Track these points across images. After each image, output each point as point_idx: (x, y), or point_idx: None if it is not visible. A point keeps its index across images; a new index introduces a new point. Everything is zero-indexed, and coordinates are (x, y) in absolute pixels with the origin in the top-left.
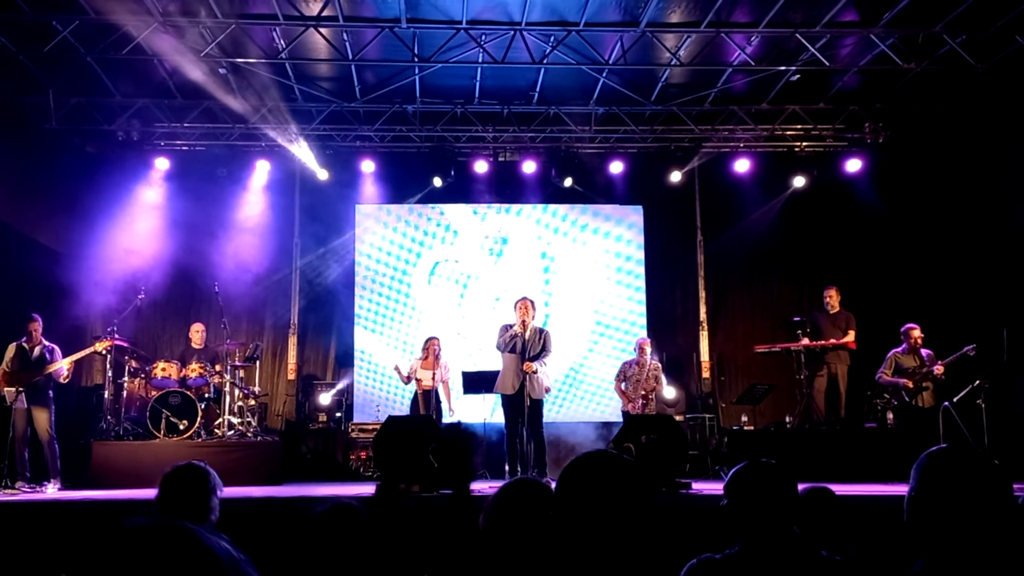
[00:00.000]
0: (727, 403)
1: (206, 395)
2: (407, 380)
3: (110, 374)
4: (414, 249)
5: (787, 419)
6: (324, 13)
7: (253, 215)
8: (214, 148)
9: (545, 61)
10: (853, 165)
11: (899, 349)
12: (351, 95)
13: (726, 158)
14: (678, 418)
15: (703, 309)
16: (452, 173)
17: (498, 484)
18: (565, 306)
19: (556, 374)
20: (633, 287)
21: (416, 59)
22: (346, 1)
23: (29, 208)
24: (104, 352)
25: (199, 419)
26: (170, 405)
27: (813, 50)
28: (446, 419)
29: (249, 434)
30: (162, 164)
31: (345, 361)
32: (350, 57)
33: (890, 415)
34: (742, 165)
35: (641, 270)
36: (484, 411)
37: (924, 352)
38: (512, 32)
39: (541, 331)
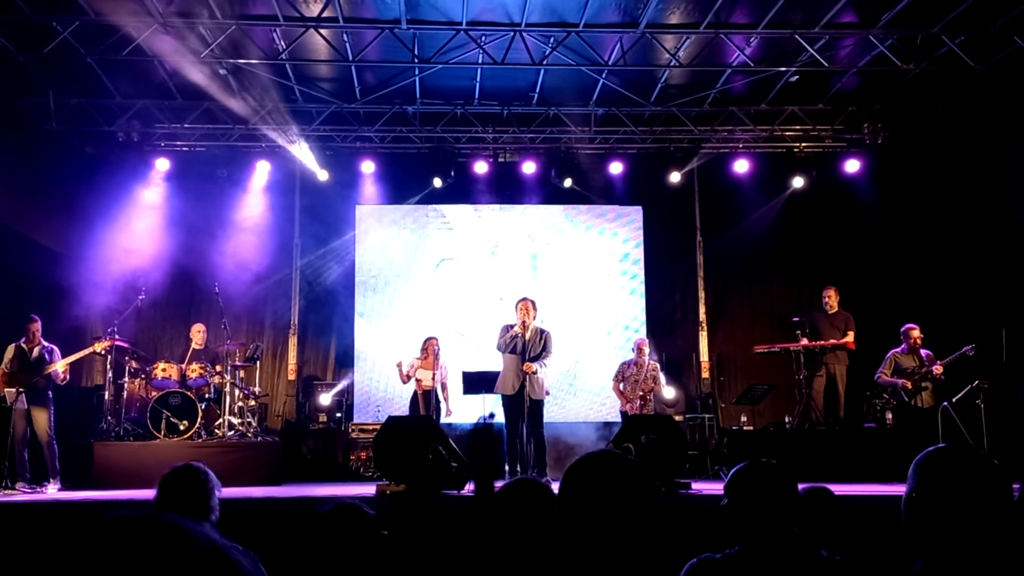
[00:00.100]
0: (726, 403)
1: (206, 395)
2: (406, 379)
3: (110, 375)
4: (414, 249)
5: (786, 419)
6: (324, 14)
7: (253, 216)
8: (214, 149)
9: (545, 62)
10: (852, 166)
11: (899, 349)
12: (351, 96)
13: (725, 159)
14: (678, 418)
15: (702, 309)
16: (452, 174)
17: (498, 484)
18: (565, 306)
19: (555, 374)
20: (633, 288)
21: (416, 60)
22: (346, 2)
23: (29, 209)
24: (103, 352)
25: (199, 420)
26: (170, 406)
27: (812, 51)
28: (444, 419)
29: (249, 434)
30: (162, 165)
31: (345, 361)
32: (350, 58)
33: (889, 415)
34: (741, 166)
35: (641, 271)
36: (484, 411)
37: (923, 352)
38: (512, 33)
39: (542, 332)
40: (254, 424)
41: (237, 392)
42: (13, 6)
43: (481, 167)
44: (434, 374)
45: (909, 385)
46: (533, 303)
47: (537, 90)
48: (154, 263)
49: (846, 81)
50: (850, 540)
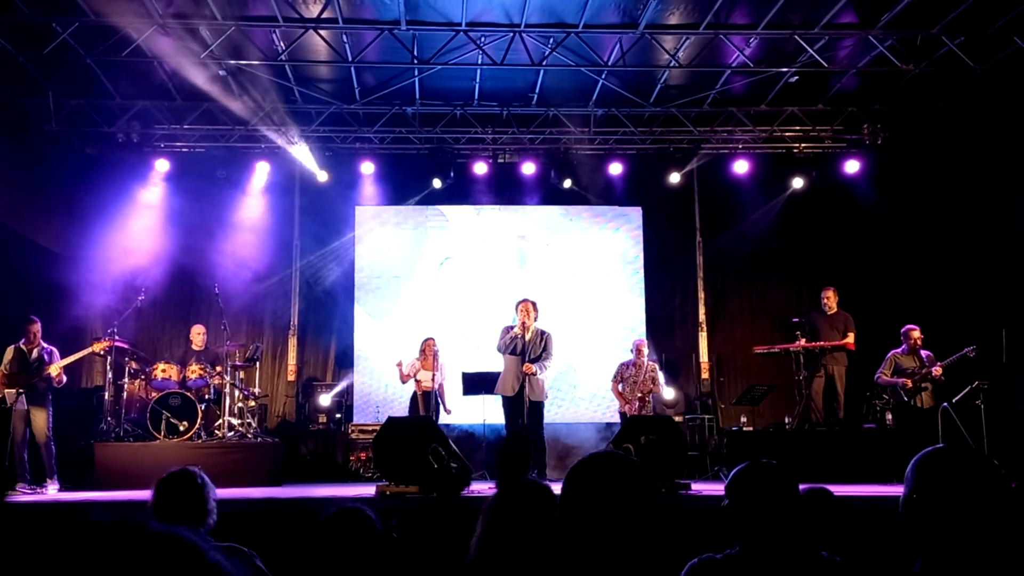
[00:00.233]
0: (726, 404)
1: (206, 396)
2: (405, 379)
3: (110, 375)
4: (414, 250)
5: (786, 420)
6: (324, 15)
7: (253, 216)
8: (214, 150)
9: (544, 63)
10: (852, 166)
11: (899, 350)
12: (351, 97)
13: (725, 159)
14: (677, 419)
15: (702, 310)
16: (452, 175)
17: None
18: (564, 307)
19: (554, 374)
20: (632, 288)
21: (415, 61)
22: (346, 3)
23: (29, 210)
24: (102, 353)
25: (199, 420)
26: (170, 406)
27: (812, 51)
28: (443, 420)
29: (249, 435)
30: (162, 166)
31: (345, 362)
32: (350, 59)
33: (889, 416)
34: (741, 166)
35: (640, 271)
36: (483, 412)
37: (924, 353)
38: (511, 34)
39: (542, 333)
40: (254, 425)
41: (237, 393)
42: (13, 7)
43: (481, 168)
44: (433, 375)
45: (909, 384)
46: (534, 304)
47: (536, 91)
48: (154, 264)
49: (846, 82)
50: (849, 541)
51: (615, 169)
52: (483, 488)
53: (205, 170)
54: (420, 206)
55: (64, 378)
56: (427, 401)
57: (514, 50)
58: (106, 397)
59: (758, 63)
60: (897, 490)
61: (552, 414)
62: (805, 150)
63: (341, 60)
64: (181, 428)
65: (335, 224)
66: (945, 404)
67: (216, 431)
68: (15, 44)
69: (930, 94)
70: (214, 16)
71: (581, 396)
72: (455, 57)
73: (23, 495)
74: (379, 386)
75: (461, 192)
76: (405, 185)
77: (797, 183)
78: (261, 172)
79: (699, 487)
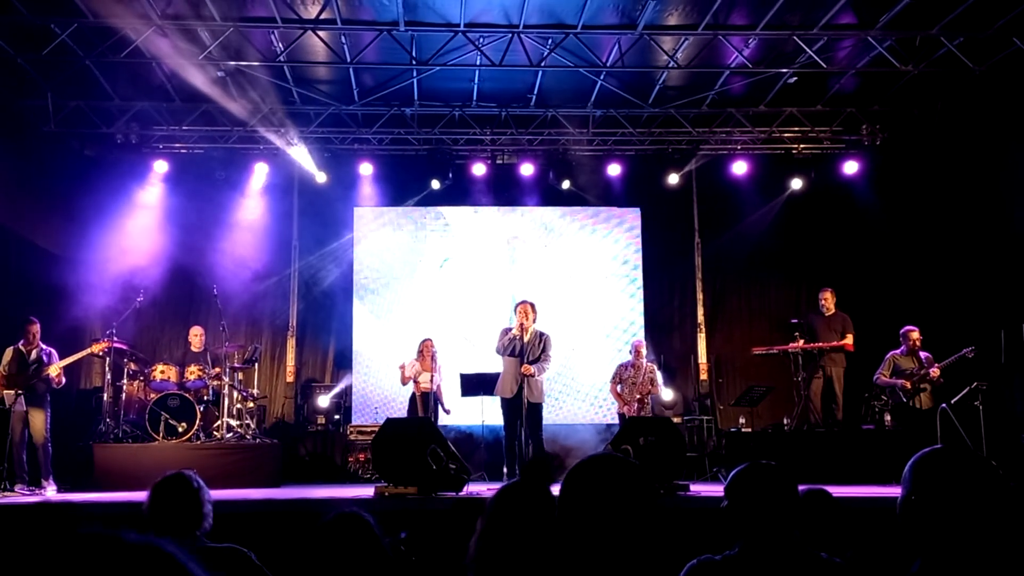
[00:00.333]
0: (725, 405)
1: (205, 397)
2: (406, 382)
3: (109, 376)
4: (412, 251)
5: (785, 421)
6: (322, 16)
7: (252, 217)
8: (212, 151)
9: (543, 64)
10: (851, 167)
11: (898, 351)
12: (349, 98)
13: (724, 160)
14: (676, 420)
15: (701, 311)
16: (450, 176)
17: (496, 486)
18: (563, 308)
19: (551, 374)
20: (631, 289)
21: (414, 62)
22: (344, 4)
23: (28, 211)
24: (100, 354)
25: (198, 421)
26: (169, 407)
27: (811, 52)
28: (443, 420)
29: (248, 436)
30: (161, 167)
31: (343, 363)
32: (348, 60)
33: (888, 417)
34: (740, 167)
35: (639, 272)
36: (482, 413)
37: (923, 354)
38: (510, 35)
39: (541, 335)
40: (252, 426)
41: (236, 394)
42: (11, 8)
43: (479, 169)
44: (432, 376)
45: (908, 385)
46: (532, 306)
47: (535, 92)
48: (152, 264)
49: (845, 82)
50: (848, 542)
51: (614, 170)
52: (481, 489)
53: (204, 171)
54: (419, 207)
55: (63, 379)
56: (425, 402)
57: (513, 51)
58: (105, 398)
59: (757, 64)
60: (896, 491)
61: (551, 415)
62: (804, 151)
63: (340, 61)
64: (180, 429)
65: (334, 225)
66: (944, 405)
67: (215, 432)
68: (14, 45)
69: (929, 95)
70: (213, 17)
71: (580, 397)
72: (454, 58)
73: (21, 496)
74: (378, 387)
75: (460, 193)
76: (404, 186)
77: (796, 184)
78: (260, 173)
79: (698, 488)
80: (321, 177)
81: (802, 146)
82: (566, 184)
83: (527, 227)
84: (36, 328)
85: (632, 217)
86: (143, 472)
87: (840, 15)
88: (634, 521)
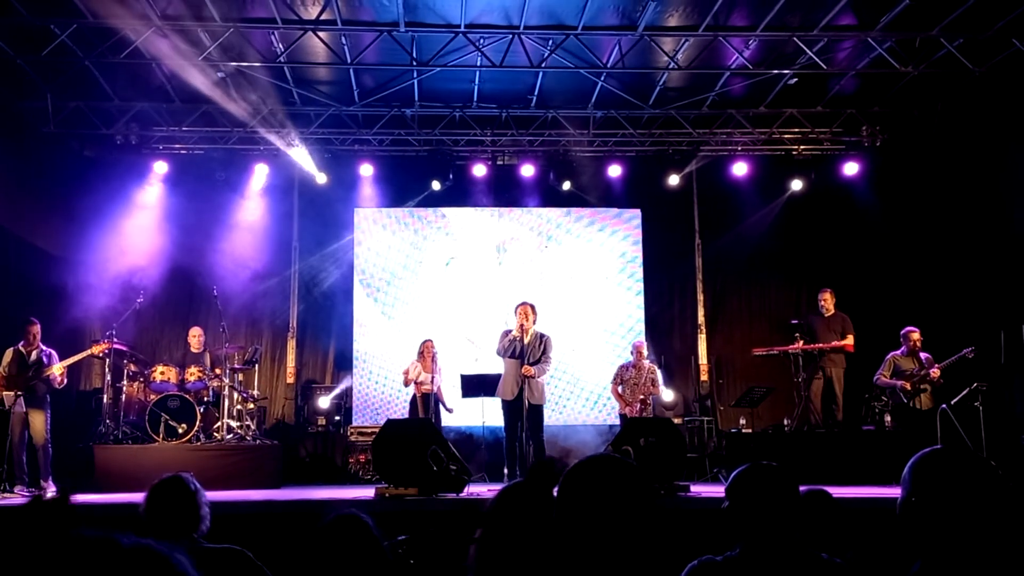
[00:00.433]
0: (725, 406)
1: (205, 399)
2: (408, 384)
3: (109, 378)
4: (412, 253)
5: (785, 422)
6: (322, 17)
7: (252, 218)
8: (213, 152)
9: (543, 65)
10: (851, 168)
11: (898, 352)
12: (349, 99)
13: (724, 161)
14: (676, 421)
15: (701, 312)
16: (451, 177)
17: (497, 487)
18: (563, 309)
19: (554, 376)
20: (631, 290)
21: (414, 63)
22: (344, 5)
23: (27, 212)
24: (101, 355)
25: (198, 423)
26: (169, 409)
27: (811, 53)
28: (445, 420)
29: (248, 438)
30: (160, 168)
31: (344, 364)
32: (348, 61)
33: (888, 417)
34: (740, 168)
35: (639, 273)
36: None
37: (923, 355)
38: (510, 36)
39: (541, 336)
40: (253, 427)
41: (236, 395)
42: (11, 8)
43: (480, 170)
44: (432, 376)
45: (908, 386)
46: (532, 307)
47: (536, 93)
48: (152, 265)
49: (845, 83)
50: (849, 542)
51: (614, 171)
52: (482, 491)
53: (204, 172)
54: (419, 208)
55: (65, 379)
56: (426, 403)
57: (513, 52)
58: (105, 399)
59: (757, 65)
60: (896, 492)
61: (552, 417)
62: (804, 152)
63: (340, 62)
64: (180, 430)
65: (334, 226)
66: (944, 406)
67: (215, 433)
68: (13, 46)
69: (929, 96)
70: (213, 18)
71: (580, 398)
72: (454, 59)
73: (21, 497)
74: (378, 388)
75: (460, 194)
76: (404, 187)
77: (796, 185)
78: (260, 174)
79: (698, 489)
80: (321, 178)
81: (802, 147)
82: (566, 185)
83: (527, 228)
84: (37, 329)
85: (632, 218)
86: (143, 473)
87: (840, 16)
88: (632, 522)
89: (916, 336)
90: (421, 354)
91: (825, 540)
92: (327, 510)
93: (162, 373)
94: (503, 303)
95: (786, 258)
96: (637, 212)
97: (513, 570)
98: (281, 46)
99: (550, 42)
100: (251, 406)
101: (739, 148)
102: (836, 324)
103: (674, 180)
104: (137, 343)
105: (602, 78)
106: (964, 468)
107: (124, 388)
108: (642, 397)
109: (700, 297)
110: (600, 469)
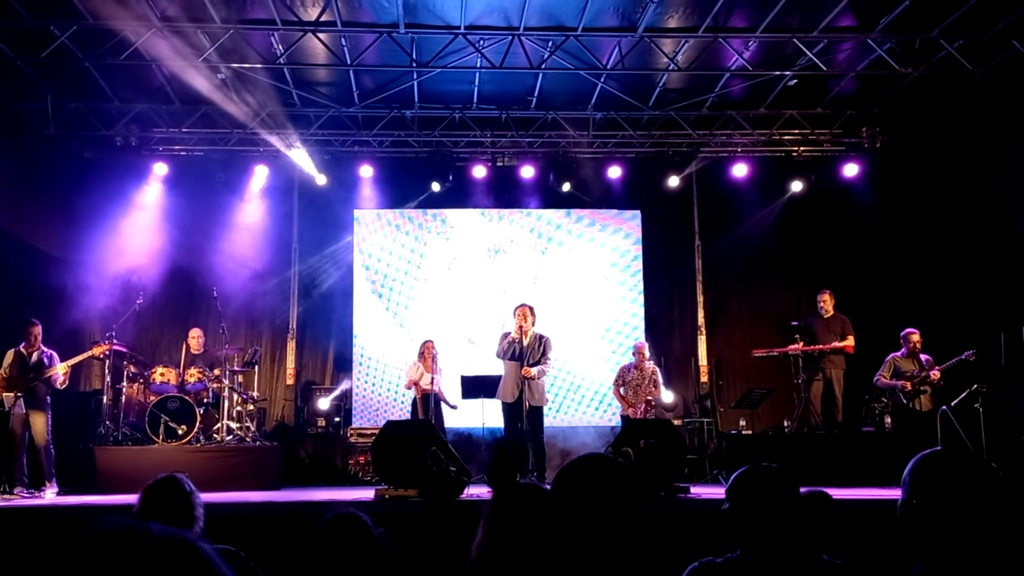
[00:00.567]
0: (725, 407)
1: (205, 400)
2: (410, 386)
3: (109, 379)
4: (412, 254)
5: (785, 423)
6: (322, 18)
7: (251, 220)
8: (212, 153)
9: (543, 66)
10: (850, 169)
11: (898, 353)
12: (349, 100)
13: (724, 163)
14: (676, 422)
15: (701, 313)
16: (451, 178)
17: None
18: (563, 311)
19: (554, 377)
20: (631, 292)
21: (414, 64)
22: (344, 6)
23: (27, 214)
24: (101, 357)
25: (198, 424)
26: (169, 410)
27: (811, 55)
28: (447, 418)
29: (248, 439)
30: (160, 169)
31: (343, 366)
32: (348, 62)
33: (888, 419)
34: (740, 170)
35: (639, 275)
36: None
37: (923, 357)
38: (510, 37)
39: (541, 338)
40: (252, 429)
41: (235, 396)
42: (11, 10)
43: (480, 171)
44: (432, 377)
45: (908, 387)
46: (531, 309)
47: (535, 94)
48: (152, 267)
49: (844, 85)
50: (849, 544)
51: (614, 172)
52: (482, 492)
53: (204, 173)
54: (419, 210)
55: (67, 380)
56: (426, 404)
57: (513, 53)
58: (104, 401)
59: (757, 66)
60: (896, 493)
61: (551, 418)
62: (804, 153)
63: (340, 63)
64: (180, 432)
65: (334, 228)
66: (944, 407)
67: (215, 435)
68: (13, 48)
69: (929, 97)
70: (213, 19)
71: (580, 400)
72: (454, 60)
73: (21, 499)
74: (378, 390)
75: (460, 196)
76: (404, 188)
77: (796, 186)
78: (260, 175)
79: (698, 490)
80: (321, 179)
81: (802, 148)
82: (566, 186)
83: (527, 229)
84: (37, 330)
85: (632, 219)
86: (144, 475)
87: (840, 18)
88: (625, 522)
89: (916, 338)
90: (421, 355)
91: (825, 542)
92: (327, 512)
93: (162, 374)
94: (503, 304)
95: (786, 259)
96: (637, 213)
97: (512, 570)
98: (281, 47)
99: (550, 43)
100: (251, 407)
101: (739, 149)
102: (836, 325)
103: (674, 181)
104: (137, 344)
105: (602, 79)
106: (964, 470)
107: (124, 389)
108: (648, 399)
109: (700, 298)
110: (592, 469)
